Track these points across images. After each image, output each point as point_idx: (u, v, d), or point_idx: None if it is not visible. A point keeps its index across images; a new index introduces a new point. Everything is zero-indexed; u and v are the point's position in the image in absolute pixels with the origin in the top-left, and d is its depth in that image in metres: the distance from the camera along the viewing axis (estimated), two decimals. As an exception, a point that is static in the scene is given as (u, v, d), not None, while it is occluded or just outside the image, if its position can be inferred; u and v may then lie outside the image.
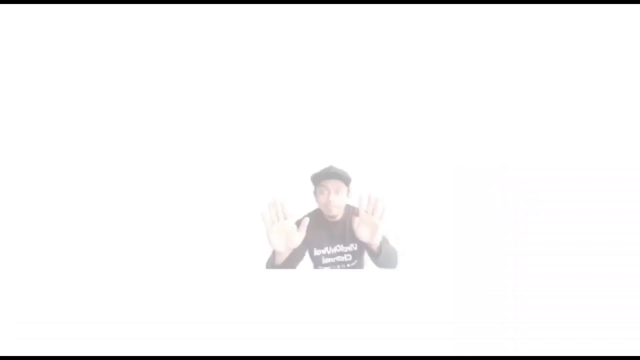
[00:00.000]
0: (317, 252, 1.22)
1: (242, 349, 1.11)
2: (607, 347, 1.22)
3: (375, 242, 1.04)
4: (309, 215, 1.20)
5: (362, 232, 1.04)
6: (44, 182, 1.26)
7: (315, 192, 1.22)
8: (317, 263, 1.23)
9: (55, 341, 1.23)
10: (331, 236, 1.22)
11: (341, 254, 1.23)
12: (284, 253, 1.02)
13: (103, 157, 1.26)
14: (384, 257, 1.07)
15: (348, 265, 1.24)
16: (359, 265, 1.26)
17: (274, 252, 1.04)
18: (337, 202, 1.16)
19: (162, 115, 1.26)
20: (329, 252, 1.22)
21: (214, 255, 1.24)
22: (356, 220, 1.05)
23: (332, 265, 1.24)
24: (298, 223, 1.03)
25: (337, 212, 1.19)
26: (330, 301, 1.10)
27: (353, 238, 1.13)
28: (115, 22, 1.21)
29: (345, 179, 1.17)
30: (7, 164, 1.24)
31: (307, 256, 1.24)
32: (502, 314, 1.23)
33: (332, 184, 1.16)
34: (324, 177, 1.17)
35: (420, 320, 1.12)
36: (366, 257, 1.19)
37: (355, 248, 1.22)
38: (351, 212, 1.21)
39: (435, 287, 1.13)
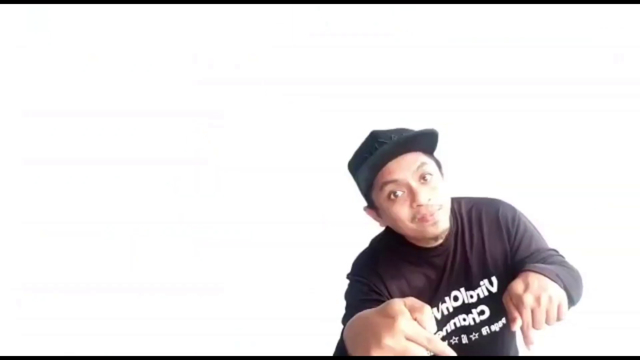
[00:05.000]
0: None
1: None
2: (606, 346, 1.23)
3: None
4: (371, 254, 0.67)
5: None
6: (42, 183, 1.25)
7: (372, 203, 0.61)
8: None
9: (56, 340, 1.22)
10: (430, 282, 0.63)
11: (466, 308, 0.64)
12: None
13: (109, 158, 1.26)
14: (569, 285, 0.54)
15: (484, 330, 0.65)
16: (503, 326, 0.66)
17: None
18: (436, 198, 0.56)
19: (165, 116, 1.26)
20: (441, 314, 0.63)
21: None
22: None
23: (453, 336, 0.65)
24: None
25: (442, 220, 0.58)
26: None
27: (485, 267, 0.62)
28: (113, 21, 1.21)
29: (426, 145, 0.59)
30: (6, 163, 1.24)
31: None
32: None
33: (406, 166, 0.56)
34: (383, 158, 0.56)
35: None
36: None
37: (493, 288, 0.63)
38: (462, 215, 0.65)
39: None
